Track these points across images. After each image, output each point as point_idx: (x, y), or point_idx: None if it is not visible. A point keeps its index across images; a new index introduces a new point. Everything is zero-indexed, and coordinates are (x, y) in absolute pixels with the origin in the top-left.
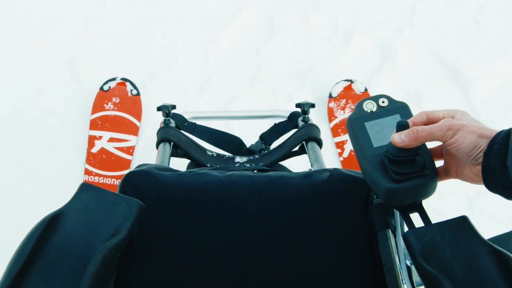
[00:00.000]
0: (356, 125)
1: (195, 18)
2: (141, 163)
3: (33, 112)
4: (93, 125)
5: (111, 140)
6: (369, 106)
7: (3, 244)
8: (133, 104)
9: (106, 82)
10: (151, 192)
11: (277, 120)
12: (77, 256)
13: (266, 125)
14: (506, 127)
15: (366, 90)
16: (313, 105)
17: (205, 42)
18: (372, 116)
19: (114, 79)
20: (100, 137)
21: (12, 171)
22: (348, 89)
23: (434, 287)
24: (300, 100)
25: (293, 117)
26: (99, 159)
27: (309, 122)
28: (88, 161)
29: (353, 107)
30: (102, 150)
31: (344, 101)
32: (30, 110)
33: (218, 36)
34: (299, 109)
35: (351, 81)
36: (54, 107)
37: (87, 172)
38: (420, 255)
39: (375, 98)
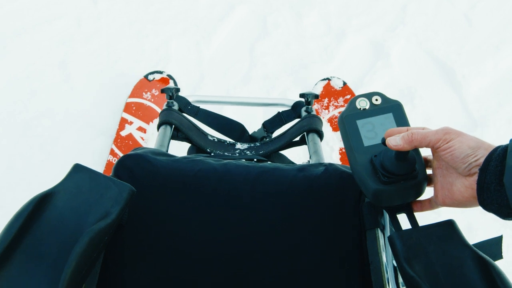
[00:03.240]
0: (347, 123)
1: (188, 17)
2: (137, 147)
3: (26, 113)
4: (128, 108)
5: (140, 129)
6: (362, 104)
7: None
8: None
9: (152, 73)
10: (145, 177)
11: (281, 109)
12: (66, 236)
13: (259, 116)
14: (498, 124)
15: (345, 84)
16: (316, 96)
17: (198, 41)
18: (364, 114)
19: (161, 72)
20: (131, 123)
21: (5, 172)
22: (327, 87)
23: None
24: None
25: (296, 106)
26: (125, 143)
27: (312, 112)
28: (115, 142)
29: (336, 103)
30: (130, 136)
31: (326, 100)
32: (22, 111)
33: (211, 35)
34: (303, 99)
35: (329, 79)
36: (46, 108)
37: (112, 152)
38: (404, 258)
39: (369, 96)
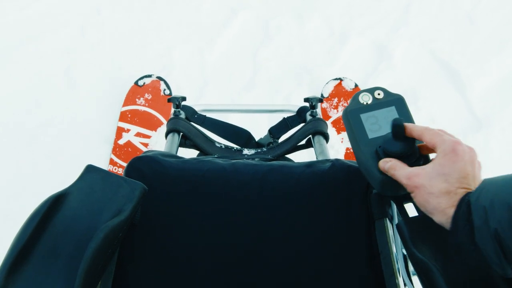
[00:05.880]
0: (351, 117)
1: (191, 23)
2: (147, 150)
3: (32, 122)
4: (123, 117)
5: (138, 135)
6: (365, 98)
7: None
8: (164, 103)
9: (141, 78)
10: (155, 177)
11: (286, 115)
12: (81, 234)
13: (264, 123)
14: (504, 124)
15: (356, 86)
16: (321, 100)
17: (201, 47)
18: (368, 108)
19: (150, 76)
20: (128, 130)
21: (12, 181)
22: (339, 87)
23: (425, 274)
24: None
25: (301, 111)
26: (124, 151)
27: (317, 116)
28: (114, 151)
29: (345, 104)
30: (129, 143)
31: (336, 100)
32: (29, 120)
33: (214, 41)
34: (307, 104)
35: (341, 79)
36: (52, 116)
37: (112, 162)
38: (412, 243)
39: (371, 90)
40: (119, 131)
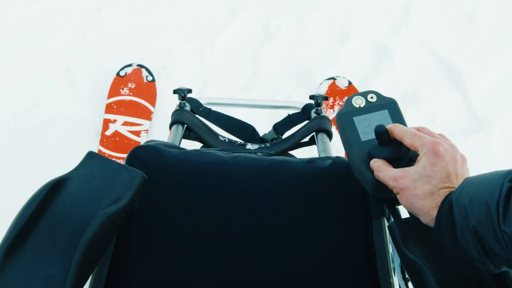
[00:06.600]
0: (345, 120)
1: (191, 23)
2: (149, 139)
3: (32, 122)
4: (109, 109)
5: (125, 123)
6: (358, 102)
7: None
8: (148, 90)
9: (122, 68)
10: (156, 168)
11: (291, 111)
12: (79, 220)
13: (265, 120)
14: (503, 124)
15: (350, 83)
16: (326, 98)
17: (201, 47)
18: (361, 111)
19: (130, 65)
20: (114, 121)
21: (12, 181)
22: (333, 86)
23: (416, 274)
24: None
25: (306, 108)
26: (112, 141)
27: (321, 114)
28: (101, 142)
29: (341, 103)
30: (116, 133)
31: (331, 99)
32: (29, 120)
33: (214, 41)
34: (312, 101)
35: (334, 78)
36: (52, 116)
37: (100, 153)
38: (404, 244)
39: (364, 94)
40: (106, 123)
